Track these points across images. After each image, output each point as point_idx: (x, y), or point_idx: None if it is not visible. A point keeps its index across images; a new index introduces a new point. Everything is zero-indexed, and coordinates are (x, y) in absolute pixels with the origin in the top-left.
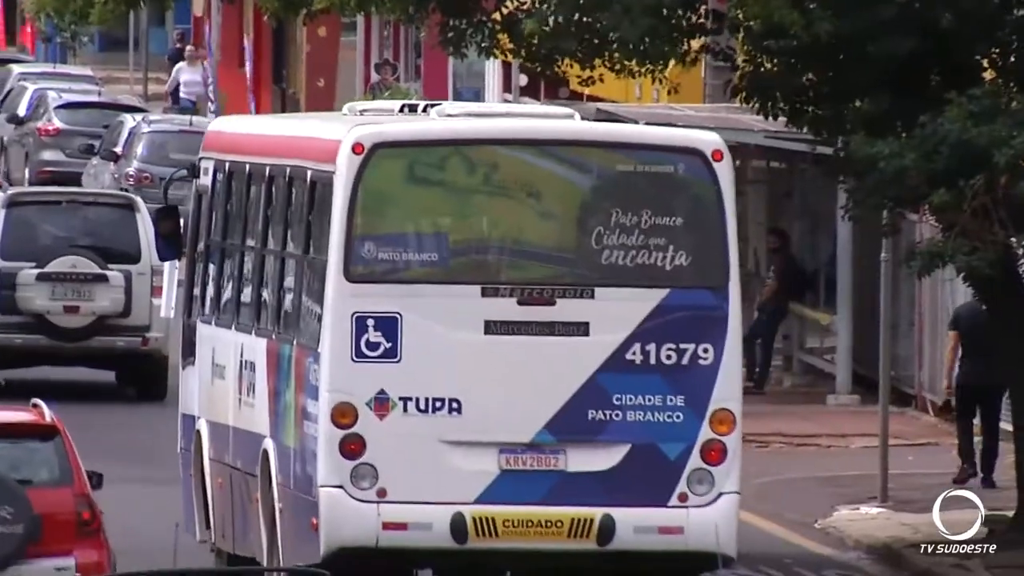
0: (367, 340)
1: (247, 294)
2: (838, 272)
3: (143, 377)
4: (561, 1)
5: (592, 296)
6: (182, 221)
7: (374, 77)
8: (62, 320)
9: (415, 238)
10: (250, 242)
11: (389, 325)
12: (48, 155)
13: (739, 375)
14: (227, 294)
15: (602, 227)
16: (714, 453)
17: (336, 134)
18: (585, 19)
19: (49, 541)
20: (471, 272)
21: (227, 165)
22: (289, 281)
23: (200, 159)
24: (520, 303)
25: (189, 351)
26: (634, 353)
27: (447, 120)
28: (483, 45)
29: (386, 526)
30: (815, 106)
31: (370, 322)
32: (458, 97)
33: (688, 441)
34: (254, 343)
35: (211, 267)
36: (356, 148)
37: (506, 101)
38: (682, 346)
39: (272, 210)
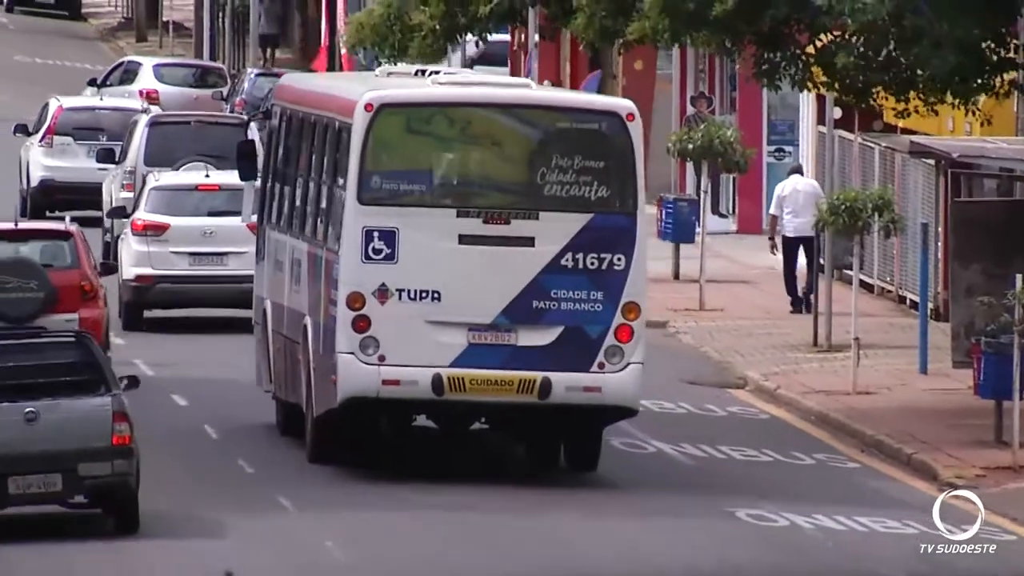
0: (373, 247)
1: (297, 210)
2: None
3: None
4: (872, 35)
5: (537, 218)
6: (259, 151)
7: (689, 110)
8: None
9: (409, 173)
10: (300, 171)
11: (389, 236)
12: None
13: (644, 277)
14: (285, 209)
15: (545, 168)
16: (624, 334)
17: (355, 95)
18: (895, 53)
19: (61, 304)
20: (449, 199)
21: (288, 112)
22: (323, 203)
23: (272, 105)
24: (485, 222)
25: (261, 249)
26: (567, 260)
27: (437, 87)
28: (796, 78)
29: (384, 382)
30: None
31: (376, 234)
32: (773, 130)
33: (605, 325)
34: (301, 246)
35: (276, 187)
36: (367, 107)
37: (820, 134)
38: (602, 255)
39: (313, 148)
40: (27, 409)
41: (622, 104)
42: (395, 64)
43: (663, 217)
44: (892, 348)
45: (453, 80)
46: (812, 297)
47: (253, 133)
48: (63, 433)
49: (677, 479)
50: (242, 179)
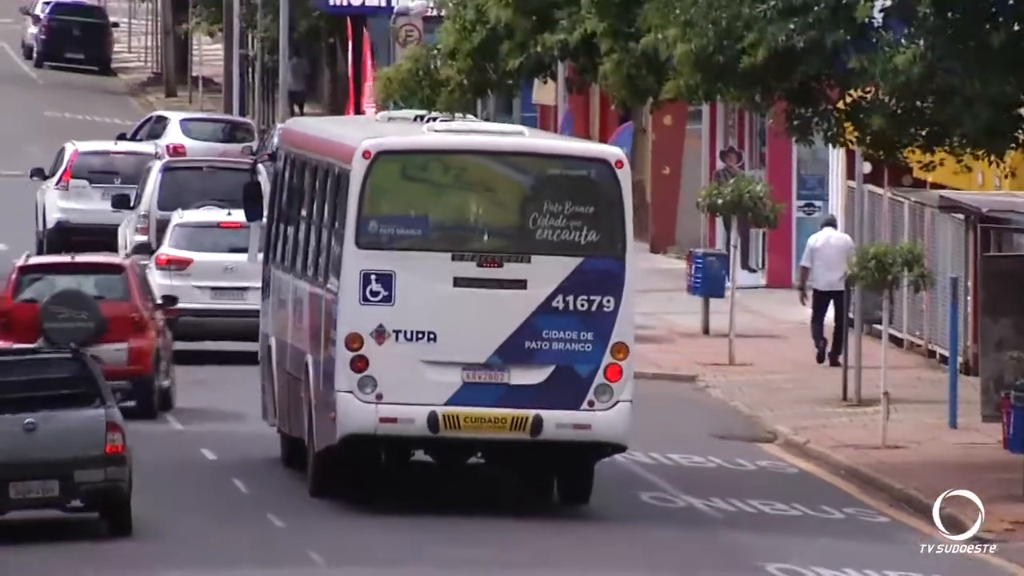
0: (371, 289)
1: (299, 251)
2: None
3: None
4: (903, 93)
5: (529, 261)
6: (265, 192)
7: (719, 164)
8: None
9: (406, 218)
10: (303, 214)
11: (386, 279)
12: None
13: (632, 318)
14: (288, 249)
15: (537, 213)
16: (614, 373)
17: (354, 142)
18: (926, 109)
19: (112, 333)
20: (444, 243)
21: (292, 155)
22: (323, 245)
23: (277, 148)
24: (478, 265)
25: (266, 288)
26: (558, 302)
27: (433, 134)
28: (829, 133)
29: (382, 420)
30: None
31: (373, 277)
32: (802, 184)
33: (595, 364)
34: (303, 286)
35: (280, 229)
36: (365, 154)
37: (850, 188)
38: (592, 297)
39: (314, 192)
40: (26, 420)
41: (611, 151)
42: None
43: (693, 272)
44: (921, 402)
45: (449, 127)
46: (839, 356)
47: (260, 175)
48: (60, 442)
49: (707, 533)
50: (248, 220)
